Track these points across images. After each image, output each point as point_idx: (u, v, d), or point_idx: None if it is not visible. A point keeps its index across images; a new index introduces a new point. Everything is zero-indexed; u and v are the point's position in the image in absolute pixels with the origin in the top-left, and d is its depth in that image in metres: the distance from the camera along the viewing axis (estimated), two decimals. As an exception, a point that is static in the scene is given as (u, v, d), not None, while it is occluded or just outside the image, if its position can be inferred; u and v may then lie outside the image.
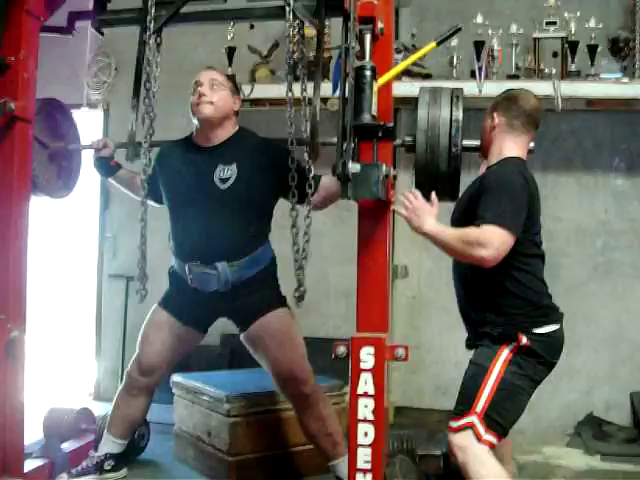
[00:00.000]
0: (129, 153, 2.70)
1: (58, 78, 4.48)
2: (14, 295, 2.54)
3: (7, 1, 2.49)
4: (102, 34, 2.83)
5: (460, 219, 2.56)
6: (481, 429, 2.39)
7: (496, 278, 2.49)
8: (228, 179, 2.98)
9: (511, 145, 2.60)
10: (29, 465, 2.93)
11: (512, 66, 4.18)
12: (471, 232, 2.39)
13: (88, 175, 3.20)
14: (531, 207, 2.50)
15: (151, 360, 3.19)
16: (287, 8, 2.44)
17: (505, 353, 2.46)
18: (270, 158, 2.94)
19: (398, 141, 2.42)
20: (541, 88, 3.83)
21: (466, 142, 2.43)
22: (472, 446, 2.39)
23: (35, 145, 2.66)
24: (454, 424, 2.44)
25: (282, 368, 3.06)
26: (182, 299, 3.13)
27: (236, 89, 3.16)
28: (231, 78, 3.18)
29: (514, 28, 4.18)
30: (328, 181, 2.93)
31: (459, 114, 2.38)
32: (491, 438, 2.40)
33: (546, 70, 4.13)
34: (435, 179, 2.39)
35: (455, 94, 2.43)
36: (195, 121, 3.06)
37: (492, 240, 2.36)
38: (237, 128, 3.12)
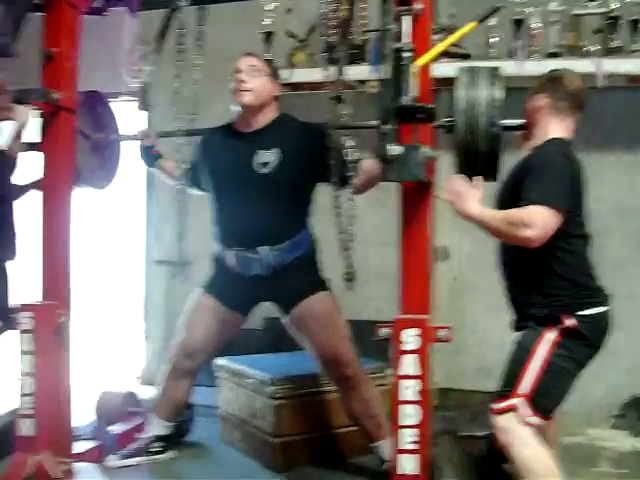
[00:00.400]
0: (140, 103, 2.72)
1: (97, 67, 4.53)
2: (61, 281, 2.60)
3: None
4: (134, 14, 2.85)
5: (505, 201, 2.54)
6: (524, 411, 2.39)
7: (542, 259, 2.47)
8: (268, 163, 3.00)
9: (556, 127, 2.57)
10: (80, 446, 3.01)
11: (552, 44, 4.11)
12: (516, 213, 2.37)
13: (133, 164, 3.25)
14: (575, 187, 2.48)
15: (195, 344, 3.24)
16: None
17: (550, 335, 2.44)
18: (311, 142, 2.95)
19: (437, 122, 2.41)
20: (582, 65, 3.76)
21: (506, 121, 2.41)
22: (516, 428, 2.39)
23: (78, 137, 2.70)
24: (497, 406, 2.44)
25: (325, 350, 3.09)
26: (226, 284, 3.17)
27: (275, 74, 3.17)
28: (270, 63, 3.19)
29: (553, 5, 4.10)
30: (369, 164, 2.93)
31: (498, 93, 2.35)
32: (535, 420, 2.39)
33: (587, 47, 4.07)
34: (475, 160, 2.37)
35: (493, 73, 2.41)
36: (236, 107, 3.08)
37: (537, 220, 2.33)
38: (278, 113, 3.14)
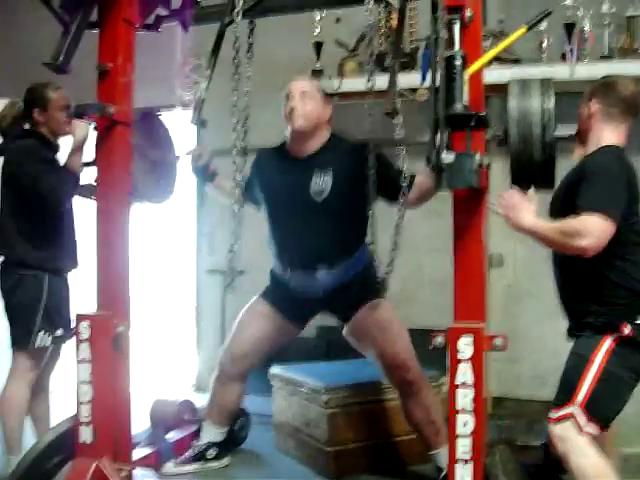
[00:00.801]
0: (193, 117, 2.75)
1: (151, 80, 4.62)
2: (119, 292, 2.65)
3: (105, 10, 2.60)
4: (186, 30, 2.90)
5: (559, 208, 2.52)
6: (582, 420, 2.36)
7: (598, 268, 2.44)
8: (323, 191, 3.03)
9: (609, 134, 2.54)
10: (137, 453, 3.06)
11: (605, 47, 4.05)
12: (570, 223, 2.35)
13: (185, 175, 3.29)
14: (630, 194, 2.44)
15: (242, 348, 3.27)
16: None
17: (607, 343, 2.41)
18: (363, 162, 2.95)
19: (489, 134, 2.40)
20: (636, 67, 3.72)
21: (560, 132, 2.38)
22: (573, 437, 2.36)
23: (136, 154, 2.75)
24: (554, 414, 2.41)
25: (387, 355, 3.10)
26: (284, 296, 3.20)
27: (327, 97, 3.19)
28: (321, 87, 3.20)
29: (606, 8, 4.05)
30: (422, 179, 2.93)
31: (550, 104, 2.33)
32: (592, 429, 2.36)
33: (641, 49, 4.00)
34: (530, 170, 2.34)
35: (545, 84, 2.39)
36: (288, 131, 3.11)
37: (592, 229, 2.31)
38: (329, 136, 3.16)
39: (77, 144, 3.10)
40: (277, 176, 3.15)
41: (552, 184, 2.43)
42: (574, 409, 2.37)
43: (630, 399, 2.45)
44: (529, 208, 2.42)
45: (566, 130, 2.48)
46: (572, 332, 2.57)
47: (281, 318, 3.22)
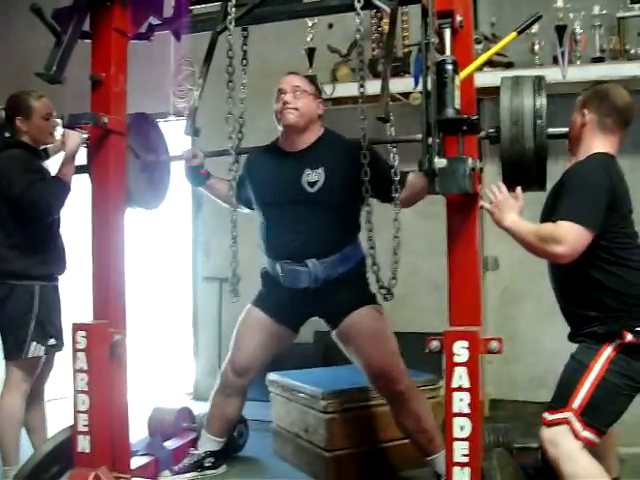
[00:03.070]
0: (187, 127, 2.76)
1: (145, 89, 4.63)
2: (115, 301, 2.65)
3: (97, 20, 2.60)
4: (179, 39, 2.90)
5: (546, 214, 2.53)
6: (578, 426, 2.35)
7: (596, 276, 2.45)
8: (316, 182, 3.03)
9: (600, 144, 2.53)
10: (136, 462, 3.06)
11: (596, 49, 4.07)
12: (546, 228, 2.38)
13: (180, 182, 3.29)
14: (616, 202, 2.44)
15: (245, 361, 3.26)
16: None
17: (608, 351, 2.41)
18: (356, 159, 2.96)
19: (482, 134, 2.40)
20: (627, 69, 3.74)
21: (551, 130, 2.39)
22: (564, 442, 2.35)
23: (128, 158, 2.75)
24: (549, 417, 2.41)
25: (373, 365, 3.08)
26: (275, 298, 3.19)
27: (319, 93, 3.19)
28: (313, 81, 3.21)
29: (597, 9, 4.07)
30: (414, 178, 2.93)
31: (542, 102, 2.33)
32: (589, 435, 2.36)
33: (632, 51, 4.02)
34: (521, 169, 2.35)
35: (537, 81, 2.39)
36: (280, 127, 3.11)
37: (567, 236, 2.33)
38: (322, 131, 3.16)
39: (69, 153, 3.08)
40: (269, 171, 3.15)
41: (544, 183, 2.44)
42: (569, 414, 2.37)
43: (626, 408, 2.45)
44: (514, 206, 2.43)
45: (557, 129, 2.47)
46: (573, 338, 2.57)
47: (275, 323, 3.21)
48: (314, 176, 3.04)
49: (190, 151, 3.20)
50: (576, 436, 2.35)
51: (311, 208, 3.03)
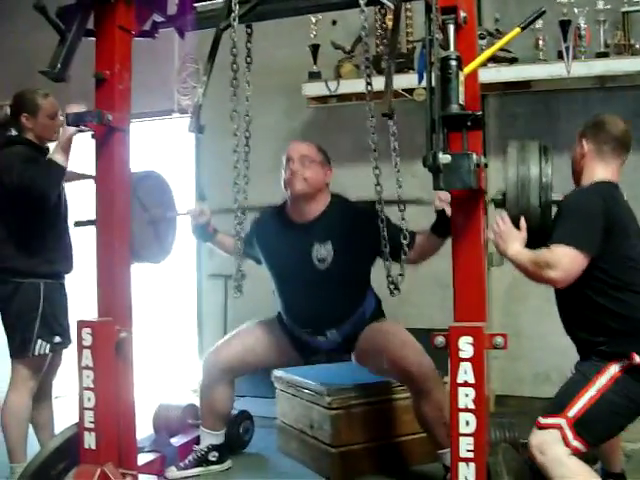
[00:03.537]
0: (191, 125, 2.75)
1: (149, 86, 4.63)
2: (121, 298, 2.65)
3: (101, 18, 2.61)
4: (183, 37, 2.91)
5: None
6: (569, 434, 2.35)
7: (599, 301, 2.46)
8: (325, 259, 3.08)
9: (601, 172, 2.57)
10: (142, 458, 3.07)
11: (601, 44, 4.05)
12: (542, 254, 2.39)
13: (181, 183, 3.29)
14: (614, 225, 2.45)
15: (229, 358, 3.32)
16: None
17: (613, 370, 2.41)
18: (364, 227, 2.95)
19: (488, 198, 2.46)
20: (632, 64, 3.73)
21: (556, 197, 2.48)
22: (553, 448, 2.35)
23: (136, 213, 2.76)
24: (542, 420, 2.42)
25: (397, 360, 3.07)
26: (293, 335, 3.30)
27: (327, 160, 3.20)
28: (321, 149, 3.21)
29: (601, 4, 4.06)
30: (422, 240, 2.95)
31: (548, 170, 2.42)
32: (578, 445, 2.35)
33: (637, 45, 4.00)
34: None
35: (543, 150, 2.46)
36: (288, 195, 3.15)
37: (561, 260, 2.35)
38: (329, 199, 3.18)
39: (63, 139, 3.04)
40: (278, 241, 3.19)
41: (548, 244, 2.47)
42: (562, 422, 2.36)
43: (620, 428, 2.48)
44: (517, 237, 2.46)
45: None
46: (581, 357, 2.57)
47: (289, 343, 3.29)
48: (323, 252, 3.07)
49: (197, 208, 3.21)
50: (566, 444, 2.34)
51: (323, 282, 3.08)
